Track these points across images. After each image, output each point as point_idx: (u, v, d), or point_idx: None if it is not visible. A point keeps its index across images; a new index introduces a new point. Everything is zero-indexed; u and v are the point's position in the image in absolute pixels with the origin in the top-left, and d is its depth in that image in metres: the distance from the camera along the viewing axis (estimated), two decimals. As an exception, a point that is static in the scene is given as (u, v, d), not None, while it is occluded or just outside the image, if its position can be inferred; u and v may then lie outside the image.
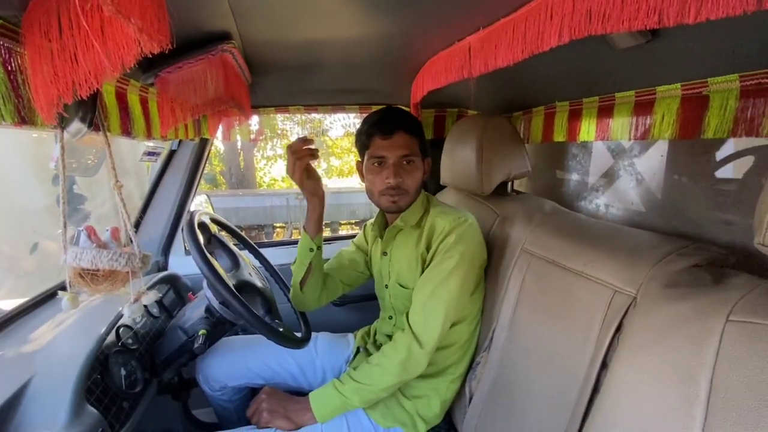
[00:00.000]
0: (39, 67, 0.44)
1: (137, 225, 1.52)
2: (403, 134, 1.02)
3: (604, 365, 0.73)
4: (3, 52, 0.51)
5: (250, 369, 1.26)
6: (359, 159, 1.13)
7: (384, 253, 1.16)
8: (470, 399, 1.08)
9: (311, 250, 1.11)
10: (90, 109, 0.58)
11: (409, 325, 1.01)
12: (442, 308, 0.98)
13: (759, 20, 0.37)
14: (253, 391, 1.42)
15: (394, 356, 0.98)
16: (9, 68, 0.52)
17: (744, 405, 0.47)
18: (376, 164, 1.05)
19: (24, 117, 0.53)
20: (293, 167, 1.00)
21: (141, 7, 0.33)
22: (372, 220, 1.25)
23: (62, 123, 0.59)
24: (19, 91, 0.53)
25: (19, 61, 0.53)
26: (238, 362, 1.26)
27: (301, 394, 1.37)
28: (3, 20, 0.50)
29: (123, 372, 0.95)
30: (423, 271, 1.05)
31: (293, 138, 1.01)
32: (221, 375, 1.26)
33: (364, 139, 1.06)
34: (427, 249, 1.05)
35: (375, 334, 1.28)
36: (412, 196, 1.07)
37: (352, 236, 1.49)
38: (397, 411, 1.07)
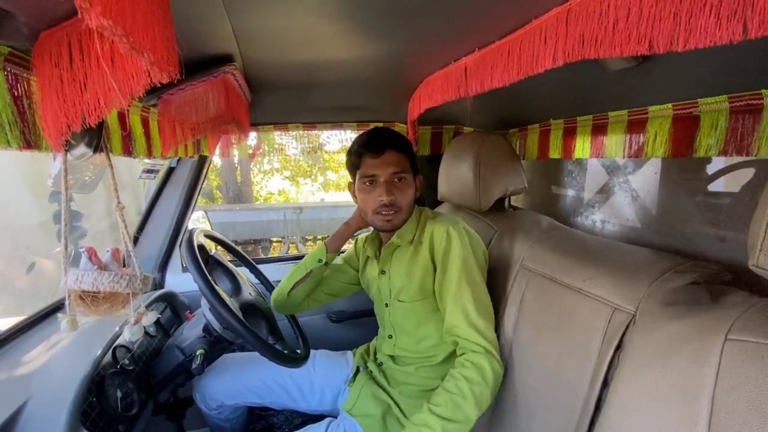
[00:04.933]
0: (49, 96, 0.45)
1: (135, 241, 1.51)
2: (393, 152, 1.03)
3: (606, 383, 0.73)
4: (10, 78, 0.52)
5: (247, 388, 1.24)
6: (351, 180, 1.13)
7: (382, 272, 1.15)
8: (471, 418, 1.07)
9: (320, 261, 1.12)
10: (96, 135, 0.58)
11: (463, 338, 0.96)
12: (468, 297, 0.96)
13: (747, 44, 0.39)
14: (250, 411, 1.40)
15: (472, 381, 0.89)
16: (15, 94, 0.53)
17: (746, 425, 0.48)
18: (367, 183, 1.04)
19: (29, 141, 0.54)
20: None
21: (153, 41, 0.34)
22: (363, 236, 1.25)
23: (67, 147, 0.60)
24: (25, 116, 0.54)
25: (26, 87, 0.54)
26: (236, 381, 1.24)
27: (299, 413, 1.36)
28: (11, 48, 0.51)
29: (119, 394, 0.94)
30: (424, 280, 1.05)
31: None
32: (218, 393, 1.24)
33: (354, 159, 1.06)
34: (432, 259, 1.05)
35: (375, 353, 1.26)
36: (406, 213, 1.06)
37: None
38: None
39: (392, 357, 1.17)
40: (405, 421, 1.05)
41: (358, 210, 1.13)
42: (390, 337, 1.17)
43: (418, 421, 0.87)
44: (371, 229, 1.19)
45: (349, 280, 1.28)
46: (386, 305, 1.15)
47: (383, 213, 1.03)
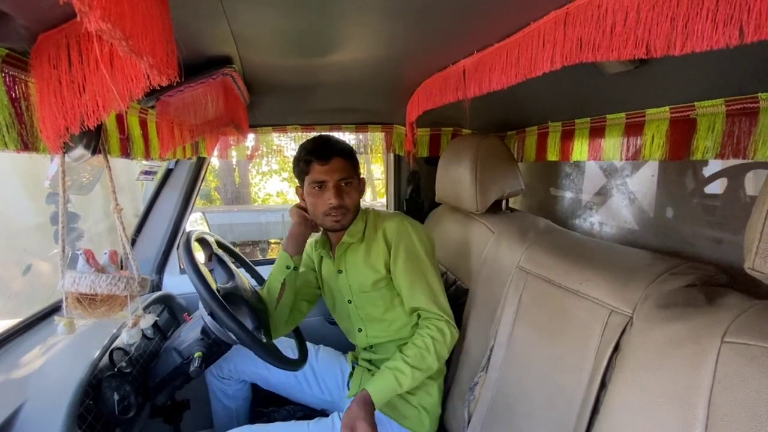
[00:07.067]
0: (47, 98, 0.45)
1: (132, 243, 1.51)
2: (339, 159, 1.09)
3: (603, 385, 0.74)
4: (8, 80, 0.52)
5: (256, 365, 1.28)
6: (299, 185, 1.18)
7: (339, 271, 1.20)
8: (468, 421, 1.07)
9: (288, 267, 1.15)
10: (95, 137, 0.58)
11: (423, 310, 1.10)
12: (425, 280, 1.11)
13: (743, 48, 0.39)
14: (252, 404, 1.41)
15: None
16: (13, 96, 0.53)
17: (742, 428, 0.48)
18: (317, 188, 1.11)
19: (27, 143, 0.53)
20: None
21: (152, 44, 0.34)
22: (312, 239, 1.27)
23: (65, 148, 0.60)
24: (23, 118, 0.54)
25: (23, 89, 0.54)
26: (249, 353, 1.26)
27: (300, 407, 1.37)
28: (9, 50, 0.51)
29: (116, 397, 0.93)
30: (384, 269, 1.13)
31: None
32: (230, 361, 1.28)
33: (302, 165, 1.12)
34: (388, 249, 1.14)
35: (360, 352, 1.30)
36: (353, 213, 1.15)
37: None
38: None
39: (371, 347, 1.23)
40: (404, 394, 1.10)
41: (296, 212, 1.18)
42: (360, 330, 1.22)
43: (393, 366, 1.02)
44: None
45: (316, 284, 1.32)
46: (349, 301, 1.21)
47: (333, 214, 1.11)
